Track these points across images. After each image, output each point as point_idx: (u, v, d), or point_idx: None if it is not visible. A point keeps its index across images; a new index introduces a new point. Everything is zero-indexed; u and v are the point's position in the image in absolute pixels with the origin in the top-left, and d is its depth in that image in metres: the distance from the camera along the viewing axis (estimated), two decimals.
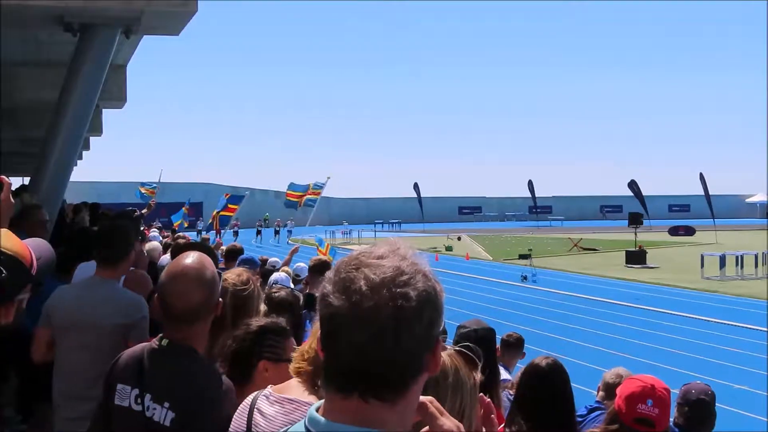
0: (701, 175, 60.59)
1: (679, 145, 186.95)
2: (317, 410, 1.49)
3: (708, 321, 21.50)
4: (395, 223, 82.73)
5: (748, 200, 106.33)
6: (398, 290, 1.40)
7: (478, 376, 2.45)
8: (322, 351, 1.47)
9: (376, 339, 1.38)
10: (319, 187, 24.46)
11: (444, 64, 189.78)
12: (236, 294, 3.86)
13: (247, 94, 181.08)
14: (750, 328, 20.19)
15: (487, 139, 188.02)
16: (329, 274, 1.48)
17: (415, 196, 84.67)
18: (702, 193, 61.65)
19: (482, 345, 4.18)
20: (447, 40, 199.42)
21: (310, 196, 24.48)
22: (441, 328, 1.48)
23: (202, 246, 6.69)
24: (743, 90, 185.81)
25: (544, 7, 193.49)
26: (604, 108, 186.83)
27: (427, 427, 1.60)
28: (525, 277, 31.56)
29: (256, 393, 2.93)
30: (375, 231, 67.20)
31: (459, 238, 56.87)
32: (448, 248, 48.81)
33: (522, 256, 36.92)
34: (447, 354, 2.40)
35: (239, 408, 2.91)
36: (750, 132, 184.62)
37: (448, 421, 1.61)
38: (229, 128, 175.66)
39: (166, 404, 2.90)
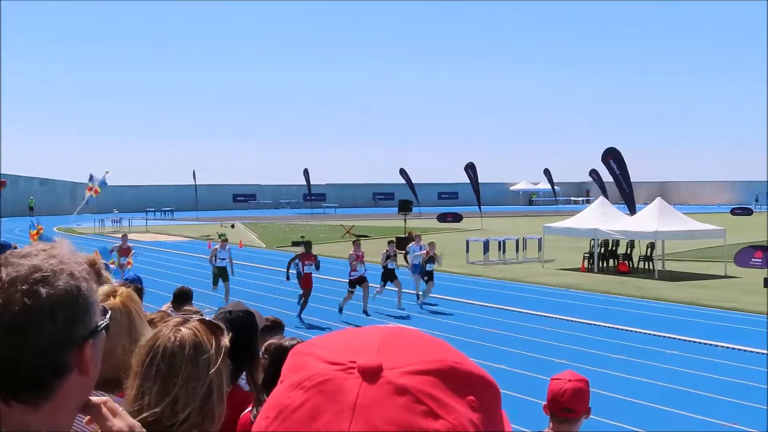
0: (470, 165, 62.48)
1: (450, 135, 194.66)
2: None
3: (472, 304, 22.38)
4: (168, 210, 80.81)
5: (512, 188, 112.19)
6: (28, 288, 1.37)
7: (224, 340, 2.43)
8: None
9: (4, 337, 1.35)
10: (103, 184, 26.38)
11: (225, 49, 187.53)
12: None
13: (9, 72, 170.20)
14: (509, 310, 21.16)
15: (263, 126, 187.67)
16: None
17: (190, 183, 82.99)
18: (468, 181, 63.73)
19: (236, 326, 4.07)
20: (225, 24, 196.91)
21: (93, 194, 26.81)
22: (90, 328, 1.45)
23: None
24: (516, 83, 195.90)
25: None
26: (379, 97, 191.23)
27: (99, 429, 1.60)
28: None
29: None
30: (146, 219, 65.45)
31: (233, 226, 56.32)
32: (222, 236, 47.99)
33: (295, 243, 36.97)
34: (187, 326, 2.40)
35: None
36: (517, 123, 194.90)
37: (119, 421, 1.62)
38: None
39: None
